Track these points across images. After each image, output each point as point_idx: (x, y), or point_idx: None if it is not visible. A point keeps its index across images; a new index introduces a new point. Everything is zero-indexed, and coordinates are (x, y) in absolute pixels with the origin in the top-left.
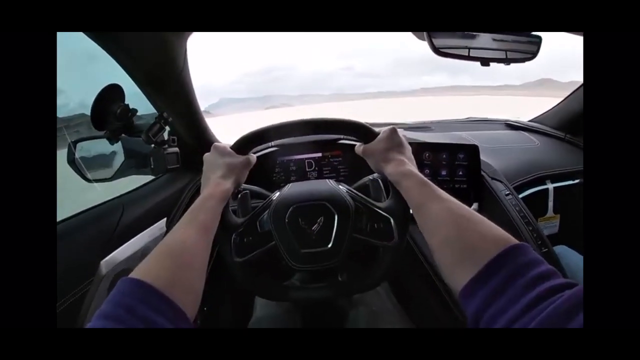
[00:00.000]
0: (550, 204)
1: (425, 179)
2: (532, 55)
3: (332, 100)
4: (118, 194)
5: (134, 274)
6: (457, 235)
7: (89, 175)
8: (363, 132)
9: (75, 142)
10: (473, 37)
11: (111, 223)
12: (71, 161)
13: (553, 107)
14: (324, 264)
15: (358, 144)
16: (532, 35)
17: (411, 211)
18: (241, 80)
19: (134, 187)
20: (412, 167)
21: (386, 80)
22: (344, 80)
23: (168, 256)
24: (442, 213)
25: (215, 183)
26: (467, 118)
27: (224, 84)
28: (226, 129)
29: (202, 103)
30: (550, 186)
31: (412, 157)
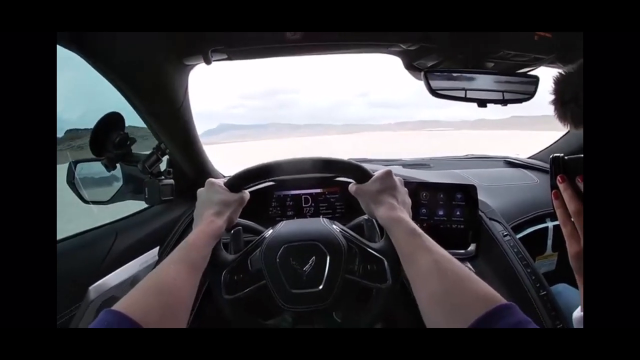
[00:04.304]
0: (549, 242)
1: (416, 227)
2: (530, 95)
3: (344, 131)
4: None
5: (119, 306)
6: (444, 291)
7: (86, 197)
8: (358, 173)
9: (75, 163)
10: (470, 78)
11: (103, 248)
12: (70, 182)
13: (552, 144)
14: (314, 305)
15: (352, 183)
16: (530, 75)
17: None
18: (242, 103)
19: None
20: (403, 212)
21: (403, 110)
22: (358, 109)
23: (156, 292)
24: (430, 266)
25: (209, 220)
26: (466, 155)
27: (222, 107)
28: (226, 158)
29: (199, 128)
30: (550, 224)
31: (406, 201)
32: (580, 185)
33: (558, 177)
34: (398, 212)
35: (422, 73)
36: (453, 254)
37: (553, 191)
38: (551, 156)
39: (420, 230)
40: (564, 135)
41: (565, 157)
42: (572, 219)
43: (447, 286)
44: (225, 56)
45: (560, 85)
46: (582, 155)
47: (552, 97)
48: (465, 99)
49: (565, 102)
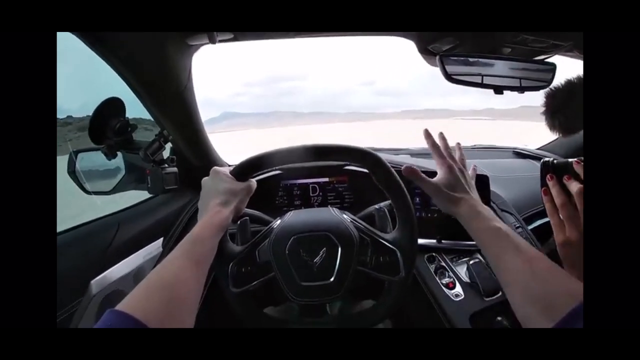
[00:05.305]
0: None
1: (500, 223)
2: (547, 83)
3: (348, 119)
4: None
5: (122, 306)
6: (540, 291)
7: (88, 187)
8: (369, 159)
9: (76, 153)
10: (486, 64)
11: (105, 240)
12: (71, 172)
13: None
14: (324, 298)
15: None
16: (547, 62)
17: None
18: (245, 91)
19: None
20: (483, 208)
21: (410, 98)
22: (363, 97)
23: (159, 289)
24: (522, 266)
25: (215, 211)
26: (474, 145)
27: (225, 95)
28: (232, 147)
29: (202, 116)
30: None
31: (472, 184)
32: (567, 183)
33: (547, 176)
34: (479, 207)
35: (438, 57)
36: (465, 246)
37: (543, 188)
38: (542, 161)
39: (505, 226)
40: None
41: (555, 161)
42: (559, 212)
43: (542, 285)
44: (232, 36)
45: (550, 99)
46: (569, 160)
47: (543, 109)
48: (481, 85)
49: (554, 113)
